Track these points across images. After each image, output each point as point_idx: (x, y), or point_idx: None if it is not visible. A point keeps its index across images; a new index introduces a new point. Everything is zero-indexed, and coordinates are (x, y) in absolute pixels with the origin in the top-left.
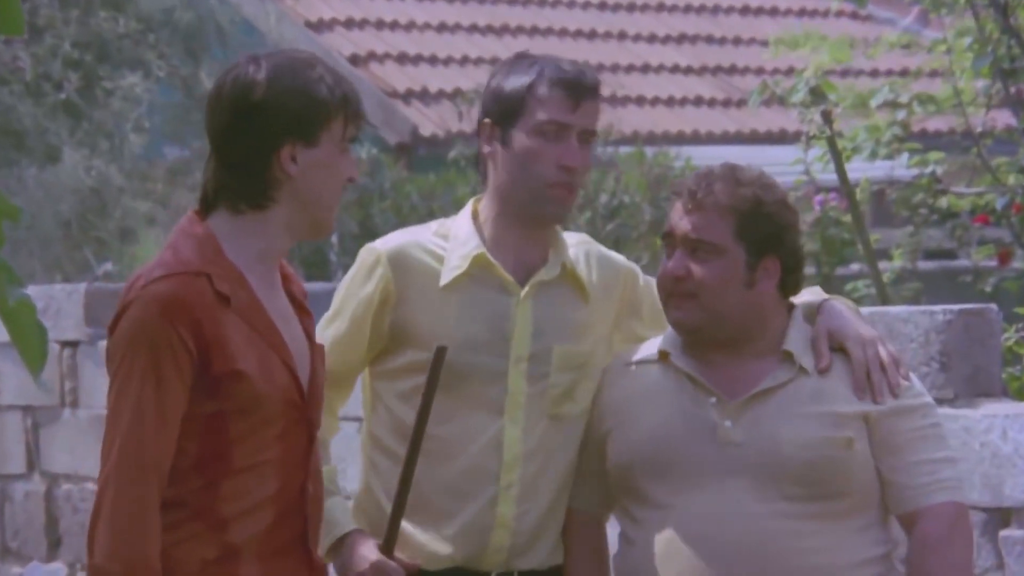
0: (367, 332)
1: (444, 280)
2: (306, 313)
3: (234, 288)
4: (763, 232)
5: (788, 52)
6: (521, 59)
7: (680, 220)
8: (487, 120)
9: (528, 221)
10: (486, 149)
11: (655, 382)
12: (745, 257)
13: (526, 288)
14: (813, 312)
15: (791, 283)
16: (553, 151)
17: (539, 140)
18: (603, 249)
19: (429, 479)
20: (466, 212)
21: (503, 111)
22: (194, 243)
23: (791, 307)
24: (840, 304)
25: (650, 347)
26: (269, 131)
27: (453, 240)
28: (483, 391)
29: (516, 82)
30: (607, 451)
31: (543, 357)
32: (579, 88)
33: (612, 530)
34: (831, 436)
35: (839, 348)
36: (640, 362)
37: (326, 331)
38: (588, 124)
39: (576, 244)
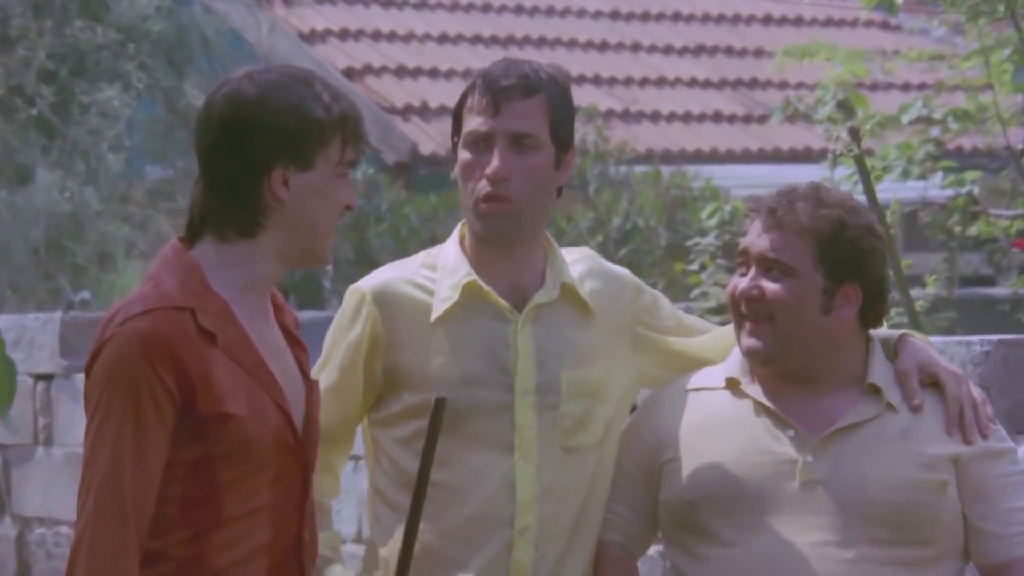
0: (360, 380)
1: (435, 314)
2: (300, 346)
3: (220, 323)
4: (844, 257)
5: (797, 64)
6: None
7: (758, 238)
8: (454, 138)
9: (480, 241)
10: (455, 169)
11: (723, 412)
12: (823, 282)
13: (524, 313)
14: (890, 347)
15: (873, 313)
16: (482, 163)
17: (468, 153)
18: (605, 263)
19: (437, 528)
20: (454, 238)
21: (454, 126)
22: (177, 274)
23: (868, 339)
24: (923, 340)
25: (713, 374)
26: (259, 152)
27: (441, 270)
28: (489, 428)
29: (462, 94)
30: (663, 483)
31: (551, 386)
32: (497, 90)
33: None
34: (923, 478)
35: (929, 384)
36: (703, 389)
37: None
38: (516, 127)
39: (576, 260)
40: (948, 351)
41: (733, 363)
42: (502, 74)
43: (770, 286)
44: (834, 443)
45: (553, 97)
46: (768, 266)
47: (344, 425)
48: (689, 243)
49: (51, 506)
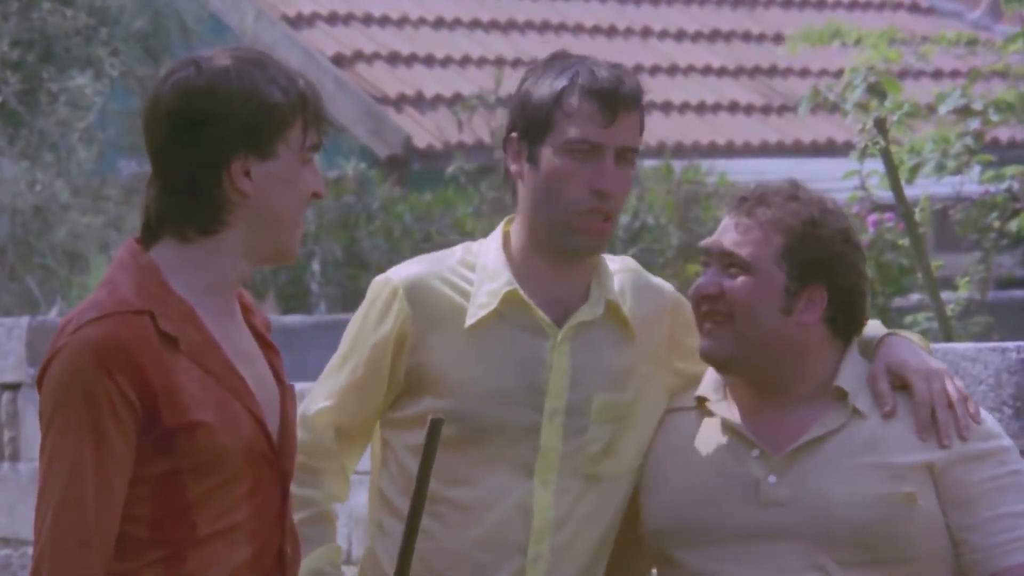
0: (385, 378)
1: (470, 320)
2: (272, 349)
3: (183, 327)
4: (813, 257)
5: (819, 50)
6: (554, 61)
7: (723, 234)
8: (513, 134)
9: (556, 253)
10: (513, 167)
11: (691, 434)
12: (785, 280)
13: (564, 329)
14: (871, 349)
15: (843, 321)
16: (584, 173)
17: (568, 160)
18: (647, 276)
19: (443, 549)
20: (496, 237)
21: (529, 124)
22: (134, 277)
23: (845, 347)
24: (904, 338)
25: (688, 393)
26: (216, 145)
27: (481, 272)
28: (510, 449)
29: (544, 91)
30: (640, 515)
31: (581, 408)
32: (614, 99)
33: None
34: (889, 492)
35: (901, 386)
36: (677, 410)
37: (337, 377)
38: (626, 141)
39: (618, 270)
40: (982, 358)
41: (707, 380)
42: (615, 81)
43: (728, 283)
44: (798, 460)
45: (642, 107)
46: (728, 262)
47: (363, 425)
48: (703, 243)
49: (17, 526)
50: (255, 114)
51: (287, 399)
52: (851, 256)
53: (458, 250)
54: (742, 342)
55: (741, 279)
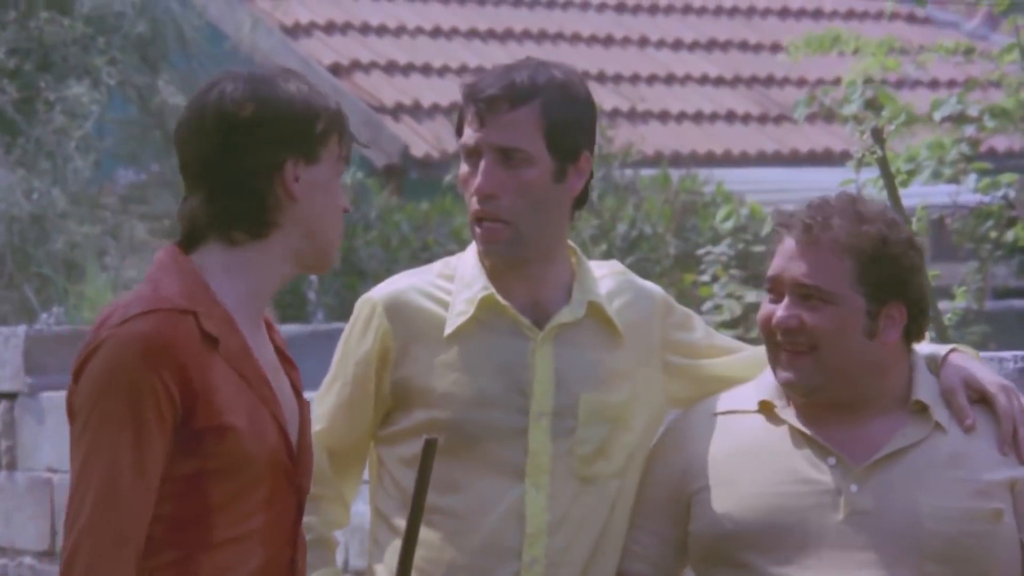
0: (371, 395)
1: (449, 328)
2: (291, 365)
3: (223, 329)
4: (887, 277)
5: (816, 59)
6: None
7: (790, 262)
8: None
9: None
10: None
11: (757, 438)
12: (865, 304)
13: (545, 331)
14: (935, 364)
15: (916, 330)
16: (473, 178)
17: (465, 166)
18: (635, 279)
19: (442, 557)
20: (472, 248)
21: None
22: (177, 277)
23: (911, 354)
24: (966, 352)
25: (744, 395)
26: (269, 148)
27: (459, 281)
28: (499, 453)
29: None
30: (693, 514)
31: (568, 410)
32: (480, 100)
33: None
34: (977, 507)
35: (976, 400)
36: (734, 413)
37: (326, 398)
38: (500, 141)
39: (605, 275)
40: None
41: (766, 385)
42: (489, 82)
43: (810, 316)
44: (880, 471)
45: (550, 104)
46: (805, 293)
47: (358, 445)
48: (700, 252)
49: (14, 535)
50: (304, 118)
51: (304, 414)
52: (919, 264)
53: (437, 264)
54: (827, 371)
55: (823, 311)
